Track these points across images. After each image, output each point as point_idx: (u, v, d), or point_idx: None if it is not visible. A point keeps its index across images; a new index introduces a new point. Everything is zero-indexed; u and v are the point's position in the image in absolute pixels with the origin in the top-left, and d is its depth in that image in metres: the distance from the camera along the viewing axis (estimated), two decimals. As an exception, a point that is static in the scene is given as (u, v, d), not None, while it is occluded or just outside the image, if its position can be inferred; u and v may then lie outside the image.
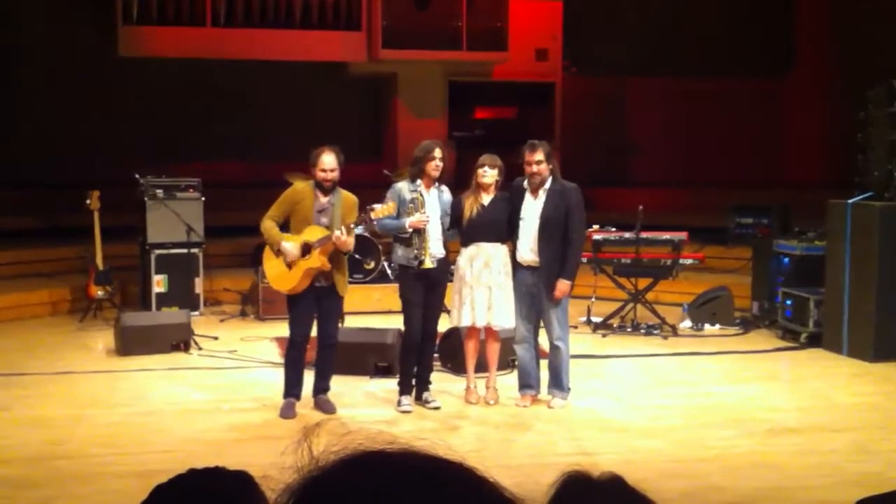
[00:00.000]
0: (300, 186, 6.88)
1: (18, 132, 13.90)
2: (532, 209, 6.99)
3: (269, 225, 6.83)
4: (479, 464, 1.05)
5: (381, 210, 6.80)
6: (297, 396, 6.98)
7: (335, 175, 6.76)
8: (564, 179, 7.11)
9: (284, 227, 6.92)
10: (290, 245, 6.72)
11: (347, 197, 6.89)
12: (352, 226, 6.78)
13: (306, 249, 6.72)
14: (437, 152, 6.93)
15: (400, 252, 7.04)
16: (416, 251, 6.89)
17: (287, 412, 6.88)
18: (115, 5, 13.14)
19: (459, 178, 10.97)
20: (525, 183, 7.03)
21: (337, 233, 6.64)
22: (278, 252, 6.78)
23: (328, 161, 6.73)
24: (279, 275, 6.86)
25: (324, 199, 6.82)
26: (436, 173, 6.94)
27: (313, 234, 6.73)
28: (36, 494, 5.40)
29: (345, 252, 6.85)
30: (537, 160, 6.92)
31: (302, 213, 6.80)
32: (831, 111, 14.14)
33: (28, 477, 5.62)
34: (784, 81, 16.20)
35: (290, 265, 6.76)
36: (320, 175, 6.75)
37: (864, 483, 5.42)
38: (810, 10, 15.94)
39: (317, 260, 6.70)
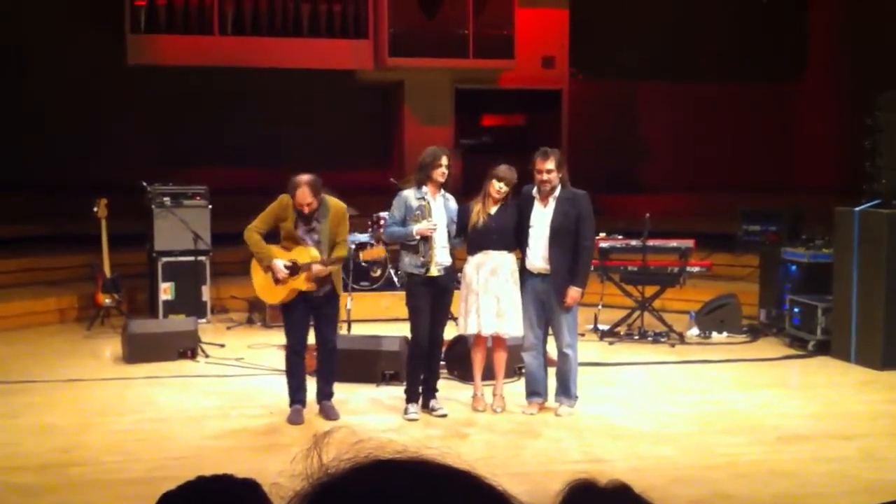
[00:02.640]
0: (286, 201, 6.85)
1: (26, 139, 13.94)
2: (542, 217, 6.99)
3: (256, 238, 6.87)
4: (487, 472, 1.05)
5: (369, 253, 6.86)
6: (302, 402, 7.01)
7: (312, 207, 6.75)
8: (573, 186, 7.10)
9: (273, 237, 6.95)
10: (280, 263, 6.75)
11: (335, 209, 6.87)
12: (332, 261, 6.79)
13: (294, 270, 6.75)
14: (444, 159, 6.93)
15: (407, 260, 7.04)
16: (422, 259, 6.90)
17: (294, 418, 6.91)
18: (124, 14, 13.18)
19: (467, 186, 10.97)
20: (534, 190, 7.02)
21: (316, 267, 6.69)
22: (267, 268, 6.81)
23: (304, 198, 6.68)
24: (266, 287, 6.92)
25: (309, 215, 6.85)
26: (442, 179, 6.94)
27: (303, 255, 6.76)
28: (47, 501, 5.42)
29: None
30: (548, 168, 6.91)
31: (289, 226, 6.83)
32: (843, 117, 14.11)
33: (39, 484, 5.63)
34: (795, 87, 16.17)
35: (277, 281, 6.79)
36: (299, 207, 6.75)
37: (875, 490, 5.41)
38: (822, 16, 15.91)
39: (303, 284, 6.76)
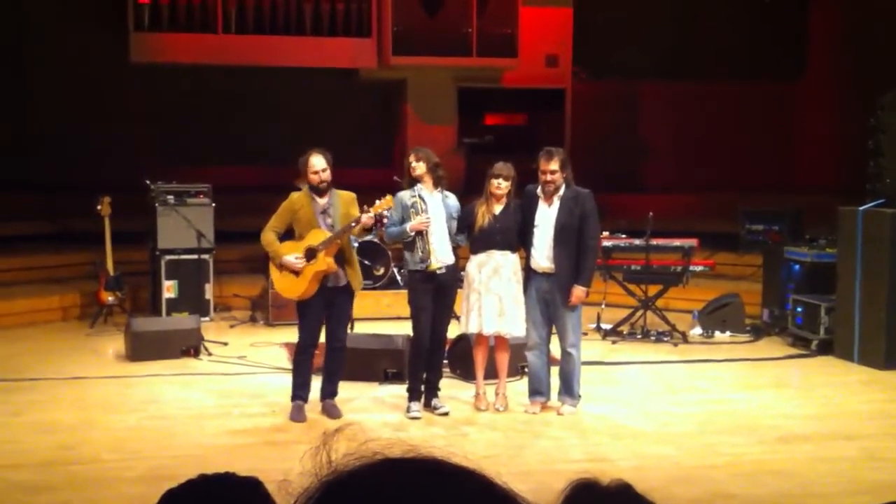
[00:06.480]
0: (296, 196, 6.95)
1: (30, 137, 13.95)
2: (546, 216, 6.99)
3: (270, 238, 6.92)
4: (491, 471, 1.05)
5: (379, 205, 6.85)
6: (305, 399, 7.02)
7: (327, 175, 6.82)
8: (577, 186, 7.11)
9: (289, 234, 6.99)
10: (292, 258, 6.79)
11: (344, 194, 6.98)
12: (367, 214, 6.80)
13: (311, 254, 6.76)
14: (411, 156, 7.14)
15: (408, 257, 7.09)
16: (420, 254, 6.93)
17: (296, 415, 6.93)
18: (127, 12, 13.19)
19: (469, 184, 10.97)
20: (538, 190, 7.03)
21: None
22: (281, 266, 6.87)
23: (318, 163, 6.79)
24: (287, 284, 6.94)
25: (322, 201, 6.88)
26: (412, 174, 7.06)
27: (316, 237, 6.78)
28: (49, 499, 5.42)
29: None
30: (552, 169, 6.92)
31: (304, 219, 6.87)
32: (844, 116, 14.09)
33: (41, 482, 5.64)
34: (796, 86, 16.16)
35: (297, 273, 6.81)
36: (313, 178, 6.81)
37: (876, 491, 5.40)
38: (823, 15, 15.90)
39: (323, 262, 6.75)
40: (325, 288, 6.85)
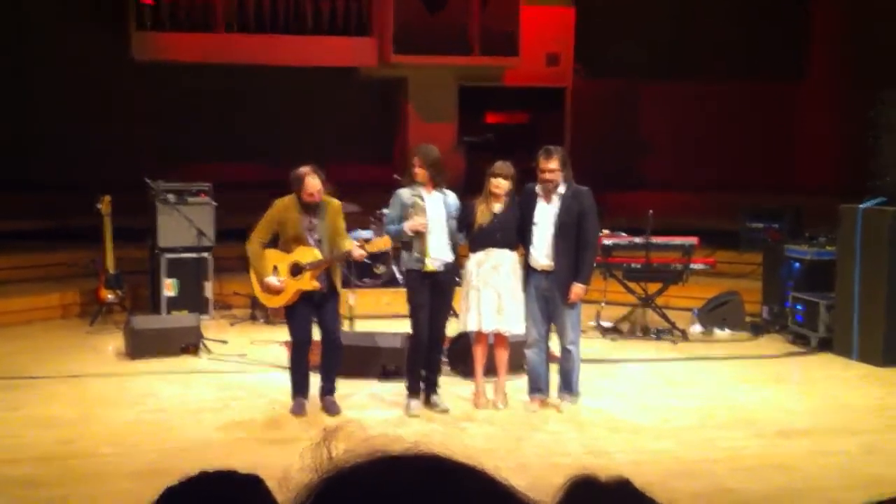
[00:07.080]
0: (282, 203, 6.93)
1: (30, 137, 13.94)
2: (546, 214, 6.99)
3: (256, 252, 6.96)
4: (489, 465, 1.06)
5: (374, 243, 6.95)
6: (305, 396, 7.07)
7: (321, 195, 6.84)
8: (577, 183, 7.11)
9: (273, 242, 7.01)
10: (275, 280, 6.86)
11: (332, 204, 6.97)
12: (360, 252, 6.91)
13: (297, 270, 6.78)
14: (415, 159, 7.11)
15: (405, 256, 7.12)
16: (416, 254, 6.95)
17: (297, 410, 6.98)
18: (129, 11, 13.20)
19: (470, 183, 10.97)
20: (538, 187, 7.03)
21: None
22: (263, 285, 6.94)
23: (315, 185, 6.80)
24: (269, 293, 7.01)
25: (309, 215, 6.91)
26: (417, 179, 7.04)
27: (304, 255, 6.80)
28: (47, 494, 5.43)
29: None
30: (551, 168, 6.92)
31: (291, 229, 6.88)
32: (844, 116, 14.08)
33: (39, 476, 5.65)
34: (797, 86, 16.14)
35: (278, 291, 6.88)
36: (307, 198, 6.82)
37: (875, 485, 5.41)
38: (824, 15, 15.88)
39: (308, 283, 6.81)
40: (308, 293, 6.88)
